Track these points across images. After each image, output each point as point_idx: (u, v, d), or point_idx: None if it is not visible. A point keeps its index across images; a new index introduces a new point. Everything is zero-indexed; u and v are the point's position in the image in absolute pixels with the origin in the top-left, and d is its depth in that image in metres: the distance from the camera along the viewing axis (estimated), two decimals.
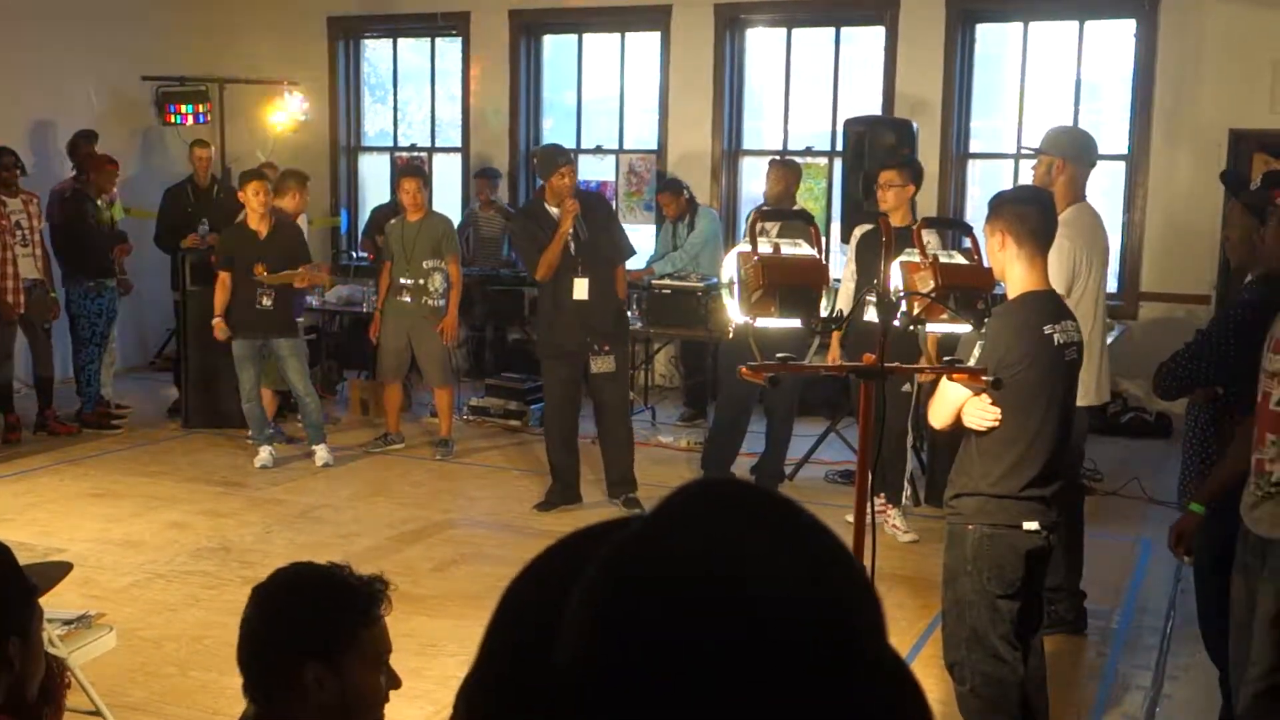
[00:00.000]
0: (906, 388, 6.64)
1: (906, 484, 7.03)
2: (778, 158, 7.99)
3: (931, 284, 3.33)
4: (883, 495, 6.71)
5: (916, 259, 3.44)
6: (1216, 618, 4.20)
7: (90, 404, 8.99)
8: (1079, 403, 5.17)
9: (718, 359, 7.94)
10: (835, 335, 6.55)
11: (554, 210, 6.86)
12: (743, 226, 9.74)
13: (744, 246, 3.35)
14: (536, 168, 7.17)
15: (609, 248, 7.04)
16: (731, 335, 6.91)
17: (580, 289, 6.85)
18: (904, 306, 3.40)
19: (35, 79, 10.34)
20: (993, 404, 3.64)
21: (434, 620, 5.47)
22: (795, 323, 3.35)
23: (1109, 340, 5.94)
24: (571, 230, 6.78)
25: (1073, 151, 5.28)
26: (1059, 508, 3.87)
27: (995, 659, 3.78)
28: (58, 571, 2.67)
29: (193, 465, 8.15)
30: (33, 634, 2.31)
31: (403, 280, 8.31)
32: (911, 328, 3.53)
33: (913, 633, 5.42)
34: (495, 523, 7.10)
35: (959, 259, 3.56)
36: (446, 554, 6.51)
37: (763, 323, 3.33)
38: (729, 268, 3.38)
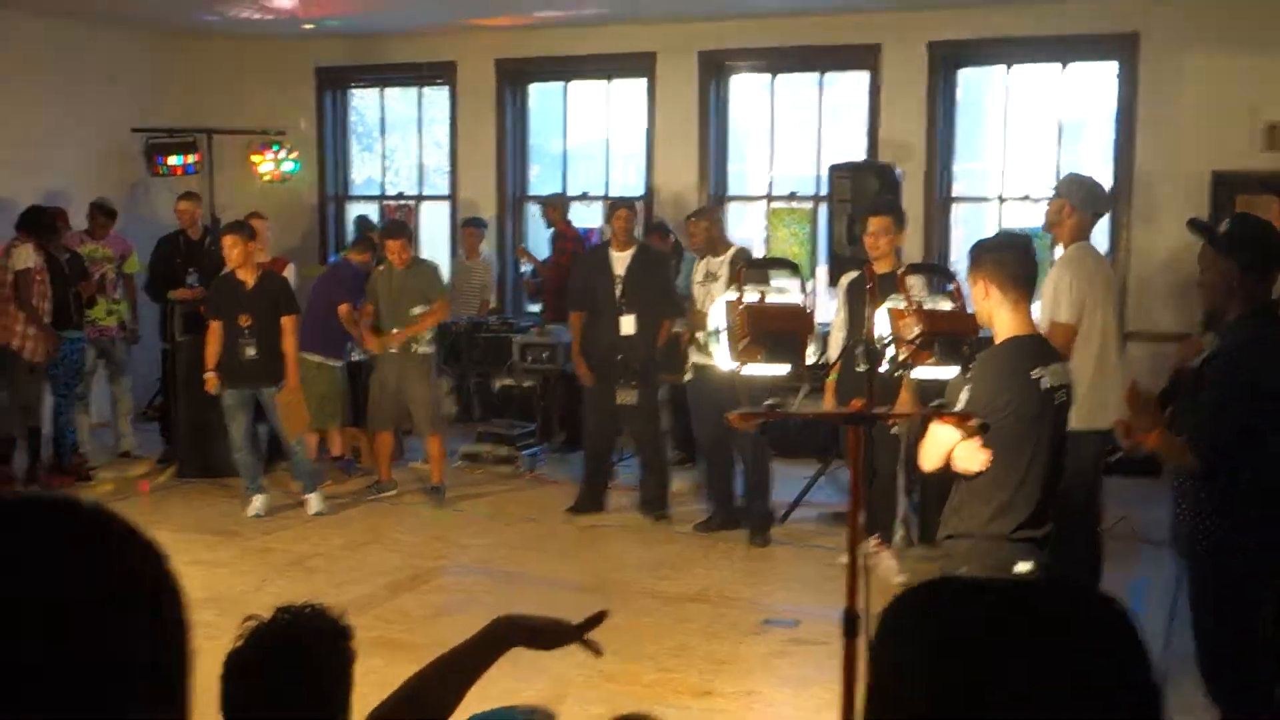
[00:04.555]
0: (895, 430, 6.68)
1: (900, 526, 7.06)
2: (692, 214, 8.07)
3: (917, 330, 3.37)
4: (878, 536, 6.75)
5: (902, 305, 3.48)
6: (1220, 655, 4.17)
7: (67, 455, 8.95)
8: (1095, 425, 5.22)
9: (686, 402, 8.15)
10: (830, 382, 6.60)
11: (615, 254, 7.83)
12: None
13: (731, 295, 3.39)
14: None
15: (658, 297, 7.87)
16: (688, 377, 7.48)
17: (627, 325, 7.73)
18: (890, 352, 3.44)
19: (25, 131, 10.38)
20: (982, 447, 3.67)
21: None
22: (784, 369, 3.39)
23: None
24: (620, 274, 7.73)
25: (1078, 199, 5.76)
26: (1051, 549, 3.88)
27: None
28: None
29: (185, 514, 8.14)
30: None
31: (392, 329, 8.35)
32: (897, 373, 3.57)
33: None
34: (488, 569, 7.10)
35: (944, 304, 3.60)
36: (440, 601, 6.51)
37: (750, 369, 3.37)
38: (716, 316, 3.42)
